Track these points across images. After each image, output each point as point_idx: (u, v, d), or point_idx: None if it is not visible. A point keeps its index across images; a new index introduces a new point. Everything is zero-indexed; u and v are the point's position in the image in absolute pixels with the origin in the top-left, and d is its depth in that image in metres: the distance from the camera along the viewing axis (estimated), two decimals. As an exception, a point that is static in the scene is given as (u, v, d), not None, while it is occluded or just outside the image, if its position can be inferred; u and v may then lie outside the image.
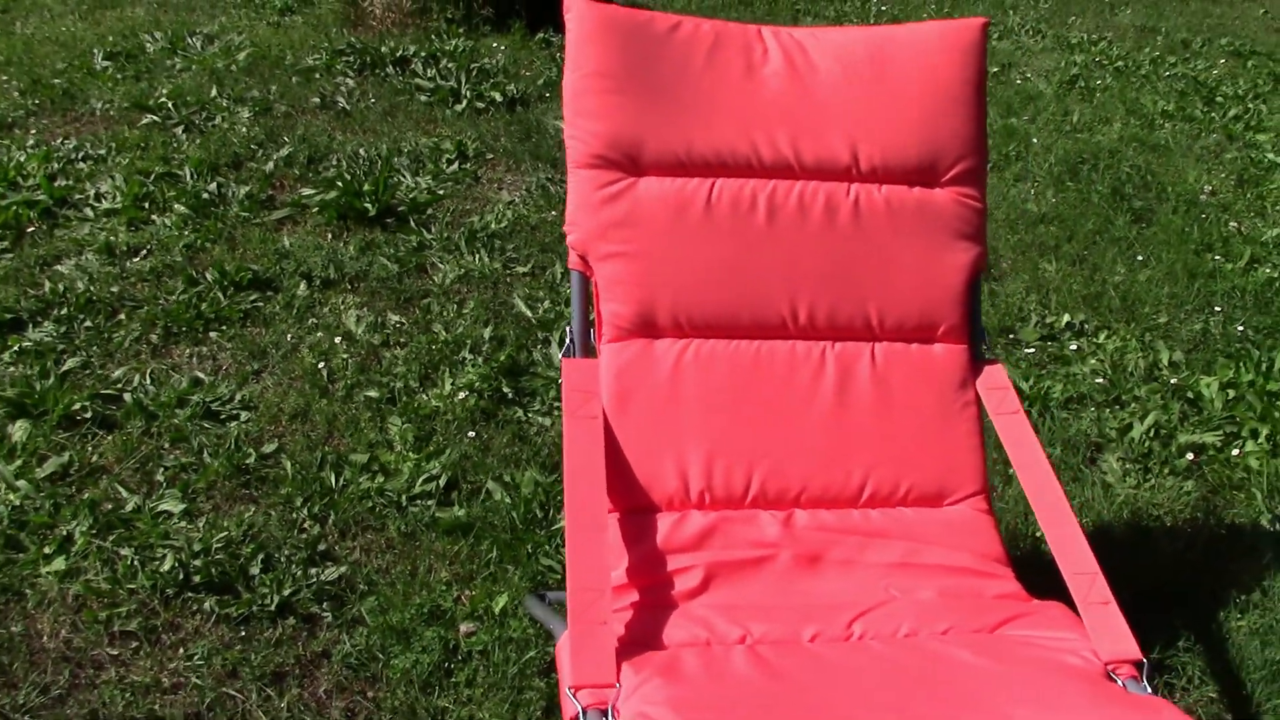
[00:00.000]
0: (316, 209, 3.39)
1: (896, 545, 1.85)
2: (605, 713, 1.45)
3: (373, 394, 2.64)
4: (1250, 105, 4.63)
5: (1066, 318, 3.15)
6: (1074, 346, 3.01)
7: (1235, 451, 2.66)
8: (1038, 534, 2.32)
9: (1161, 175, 4.00)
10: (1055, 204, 3.75)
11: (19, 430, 2.46)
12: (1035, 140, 4.19)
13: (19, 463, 2.37)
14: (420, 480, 2.39)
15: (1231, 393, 2.86)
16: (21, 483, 2.32)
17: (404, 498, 2.36)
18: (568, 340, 1.89)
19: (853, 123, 1.93)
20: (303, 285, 3.03)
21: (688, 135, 1.88)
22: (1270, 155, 4.16)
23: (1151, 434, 2.72)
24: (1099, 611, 1.68)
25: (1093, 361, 2.97)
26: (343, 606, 2.12)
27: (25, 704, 1.91)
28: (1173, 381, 2.87)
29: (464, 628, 2.09)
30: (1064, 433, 2.70)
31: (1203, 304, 3.24)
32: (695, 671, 1.56)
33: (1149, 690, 1.56)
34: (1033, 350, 3.00)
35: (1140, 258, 3.46)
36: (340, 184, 3.42)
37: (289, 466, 2.41)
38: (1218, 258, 3.49)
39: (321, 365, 2.72)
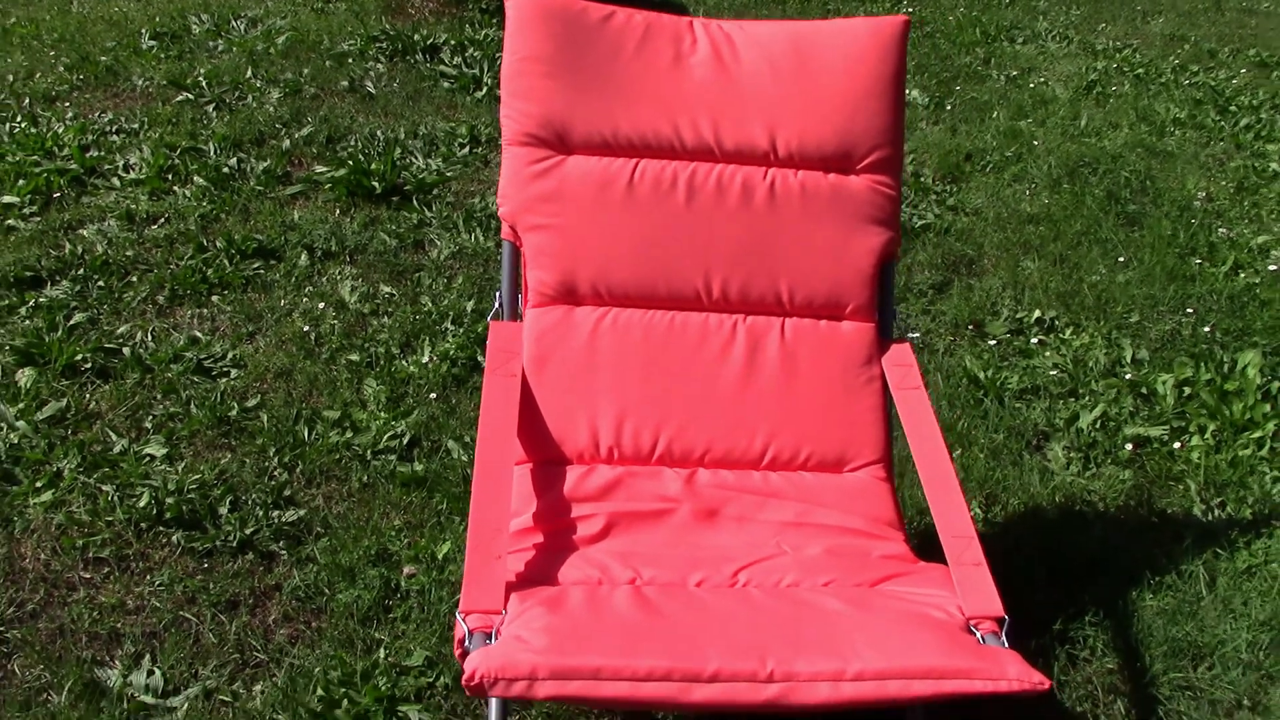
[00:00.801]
0: (328, 185, 3.58)
1: (791, 505, 1.98)
2: (489, 635, 1.60)
3: (354, 358, 2.82)
4: (1264, 115, 4.66)
5: (1037, 313, 3.24)
6: (1037, 340, 3.10)
7: (1178, 445, 2.75)
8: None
9: (1160, 181, 4.07)
10: (1047, 205, 3.83)
11: (25, 376, 2.67)
12: (1038, 143, 4.26)
13: (21, 405, 2.58)
14: (386, 437, 2.56)
15: (1187, 390, 2.93)
16: (21, 423, 2.53)
17: (369, 452, 2.53)
18: (496, 304, 2.05)
19: (772, 111, 2.06)
20: (304, 256, 3.22)
21: (614, 118, 2.03)
22: (1274, 165, 4.20)
23: (1098, 425, 2.81)
24: (970, 572, 1.79)
25: (1054, 356, 3.06)
26: (299, 546, 2.30)
27: (1, 616, 2.10)
28: (1128, 377, 2.96)
29: (406, 570, 2.26)
30: (1012, 421, 2.80)
31: (1177, 306, 3.32)
32: (577, 605, 1.70)
33: (1004, 644, 1.67)
34: (995, 343, 3.09)
35: (1122, 259, 3.54)
36: (351, 163, 3.61)
37: (266, 419, 2.60)
38: (1201, 262, 3.56)
39: (310, 330, 2.90)
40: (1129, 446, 2.72)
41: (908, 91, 4.69)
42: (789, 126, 2.06)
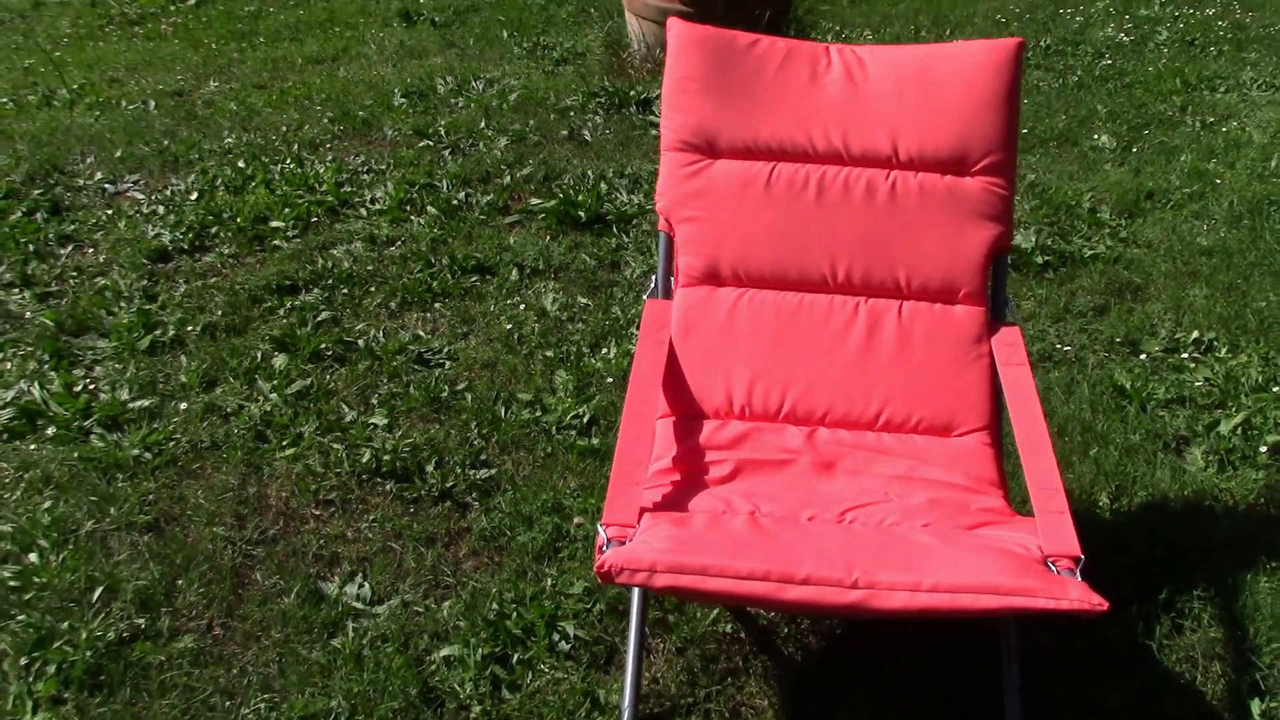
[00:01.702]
0: (540, 215, 4.05)
1: (901, 461, 2.26)
2: (623, 543, 1.94)
3: (549, 354, 3.24)
4: None
5: (1195, 334, 3.37)
6: (1191, 358, 3.24)
7: (1316, 450, 2.86)
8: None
9: (1349, 218, 4.10)
10: (1224, 238, 3.94)
11: (279, 360, 3.20)
12: (1222, 182, 4.36)
13: (275, 382, 3.10)
14: (570, 416, 2.96)
15: (1338, 404, 3.03)
16: (274, 395, 3.04)
17: (555, 428, 2.93)
18: (653, 285, 2.42)
19: (896, 121, 2.37)
20: (515, 272, 3.68)
21: (755, 127, 2.38)
22: None
23: (1239, 432, 2.94)
24: (1053, 518, 2.01)
25: (1205, 371, 3.20)
26: (488, 498, 2.70)
27: (249, 538, 2.59)
28: (1275, 390, 3.07)
29: (576, 520, 2.63)
30: (1152, 425, 2.96)
31: (1345, 330, 3.39)
32: (700, 524, 2.03)
33: (1077, 578, 1.89)
34: (1147, 358, 3.26)
35: (1293, 287, 3.62)
36: (560, 195, 4.07)
37: (470, 399, 3.04)
38: (1375, 291, 3.60)
39: (513, 330, 3.35)
40: (1264, 450, 2.84)
41: (1095, 136, 4.86)
42: (910, 134, 2.36)
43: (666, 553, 1.84)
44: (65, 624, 2.32)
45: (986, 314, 2.34)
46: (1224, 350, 3.30)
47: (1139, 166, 4.56)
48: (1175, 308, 3.53)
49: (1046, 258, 3.79)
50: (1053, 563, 1.91)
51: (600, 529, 1.94)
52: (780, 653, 2.30)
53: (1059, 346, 3.32)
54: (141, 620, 2.36)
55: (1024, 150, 4.72)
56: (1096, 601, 1.78)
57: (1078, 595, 1.80)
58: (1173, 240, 3.96)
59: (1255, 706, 2.15)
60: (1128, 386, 3.10)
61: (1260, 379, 3.16)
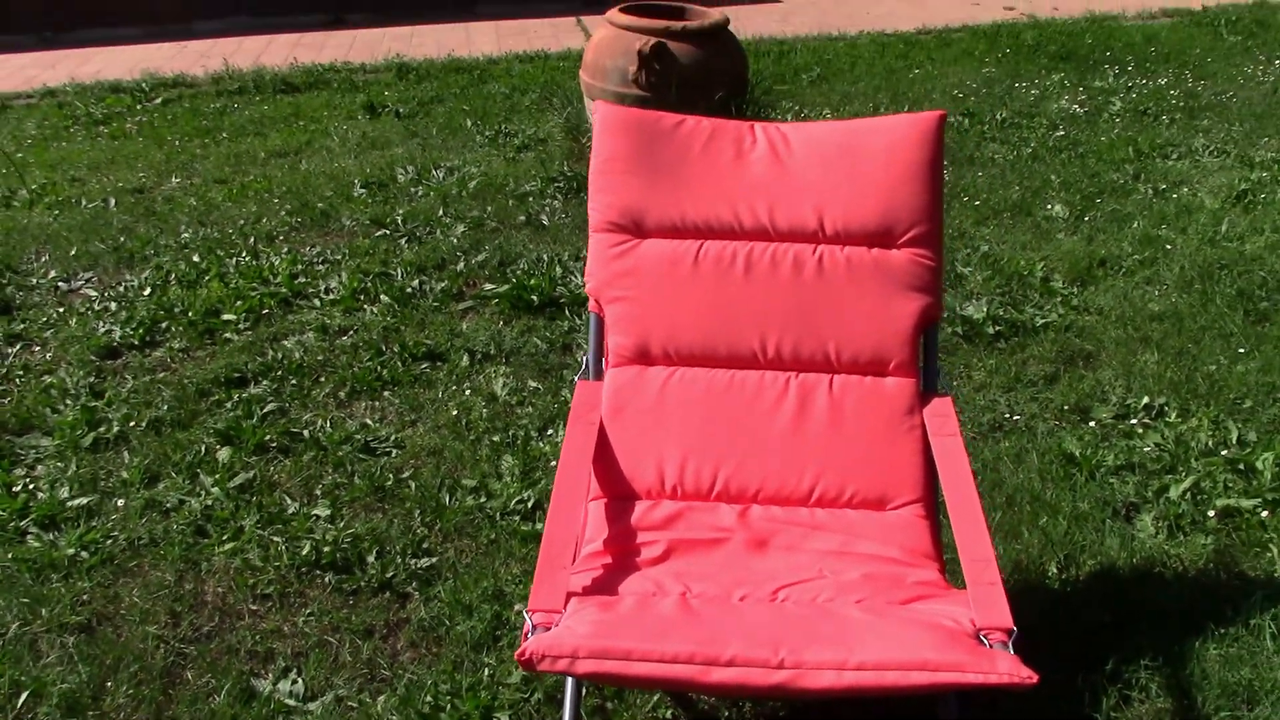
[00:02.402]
0: (494, 300, 4.05)
1: (835, 537, 2.23)
2: (549, 628, 1.91)
3: (496, 439, 3.22)
4: None
5: (1146, 399, 3.37)
6: (1141, 424, 3.23)
7: (1265, 514, 2.84)
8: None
9: (1299, 280, 4.12)
10: (1175, 303, 3.95)
11: (223, 453, 3.17)
12: (1174, 248, 4.39)
13: (217, 476, 3.07)
14: (514, 502, 2.93)
15: (1290, 467, 3.01)
16: (215, 489, 3.01)
17: (499, 514, 2.90)
18: (583, 367, 2.40)
19: (821, 195, 2.38)
20: (466, 358, 3.67)
21: (682, 206, 2.39)
22: None
23: (1189, 496, 2.93)
24: (985, 590, 1.99)
25: (1156, 436, 3.19)
26: (429, 587, 2.66)
27: (183, 636, 2.54)
28: (1225, 454, 3.06)
29: (516, 607, 2.58)
30: (1101, 493, 2.94)
31: (1295, 392, 3.39)
32: (627, 608, 1.99)
33: (1009, 650, 1.86)
34: (1097, 425, 3.25)
35: (1243, 350, 3.63)
36: (514, 279, 4.08)
37: (414, 487, 3.01)
38: (1326, 352, 3.61)
39: (461, 416, 3.33)
40: (1211, 514, 2.82)
41: (1049, 206, 4.89)
42: (836, 208, 2.37)
43: (589, 638, 1.81)
44: (-13, 731, 2.26)
45: (918, 385, 2.33)
46: (1174, 415, 3.30)
47: (1091, 234, 4.59)
48: (1126, 374, 3.53)
49: (998, 327, 3.80)
50: (985, 635, 1.88)
51: (526, 615, 1.91)
52: (722, 737, 2.25)
53: (1009, 416, 3.31)
54: (68, 725, 2.30)
55: (978, 222, 4.76)
56: (1026, 675, 1.76)
57: (1007, 669, 1.77)
58: (1124, 307, 3.97)
59: (1204, 778, 2.11)
60: (1077, 454, 3.09)
61: (1210, 443, 3.15)
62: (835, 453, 2.28)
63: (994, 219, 4.81)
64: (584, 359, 2.40)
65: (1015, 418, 3.30)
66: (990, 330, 3.78)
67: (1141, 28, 8.32)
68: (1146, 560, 2.70)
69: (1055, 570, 2.68)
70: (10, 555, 2.77)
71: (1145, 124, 6.06)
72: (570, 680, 2.12)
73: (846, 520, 2.25)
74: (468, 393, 3.48)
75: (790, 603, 2.06)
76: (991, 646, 1.87)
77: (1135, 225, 4.65)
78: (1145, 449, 3.12)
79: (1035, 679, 1.76)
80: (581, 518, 2.11)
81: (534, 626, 1.90)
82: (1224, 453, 3.07)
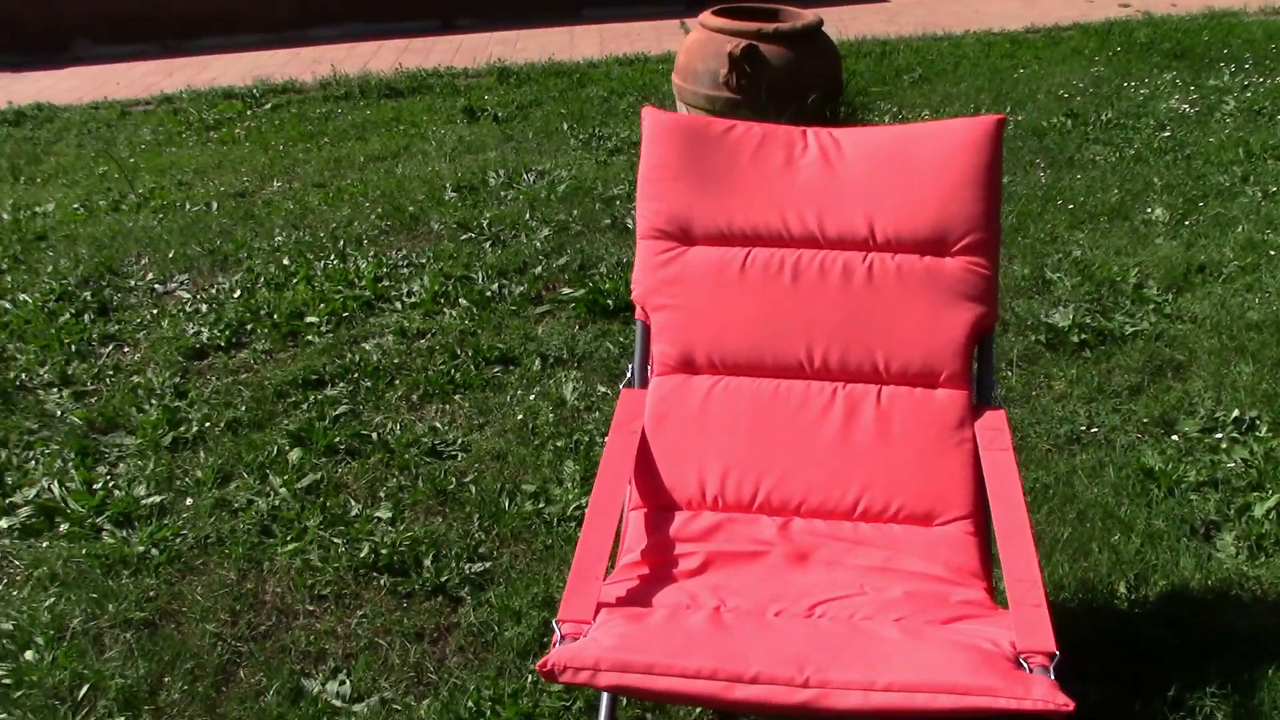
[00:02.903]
0: (571, 304, 4.06)
1: (878, 553, 2.18)
2: (577, 639, 1.90)
3: (560, 444, 3.22)
4: None
5: (1236, 413, 3.23)
6: (1228, 438, 3.10)
7: (1355, 535, 2.69)
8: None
9: None
10: (1276, 311, 3.79)
11: (294, 454, 3.23)
12: (1277, 252, 4.20)
13: (286, 476, 3.12)
14: (572, 508, 2.92)
15: (1386, 486, 2.86)
16: (283, 490, 3.06)
17: (556, 520, 2.90)
18: (629, 375, 2.39)
19: (872, 202, 2.33)
20: (538, 362, 3.69)
21: (730, 213, 2.35)
22: None
23: (1274, 516, 2.79)
24: (1029, 611, 1.92)
25: (1244, 452, 3.05)
26: (481, 592, 2.67)
27: (240, 634, 2.59)
28: (1315, 471, 2.92)
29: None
30: (1180, 510, 2.83)
31: (1400, 406, 3.22)
32: (657, 620, 1.97)
33: (1050, 675, 1.80)
34: (1179, 439, 3.12)
35: (1346, 362, 3.46)
36: (590, 284, 4.08)
37: (474, 491, 3.02)
38: None
39: (528, 421, 3.34)
40: (1297, 534, 2.69)
41: (1148, 210, 4.73)
42: (887, 215, 2.31)
43: (612, 650, 1.80)
44: (46, 722, 2.33)
45: (970, 397, 2.26)
46: (1265, 429, 3.15)
47: (1191, 239, 4.42)
48: (1217, 385, 3.39)
49: (1084, 336, 3.68)
50: (1025, 659, 1.82)
51: (555, 625, 1.90)
52: (762, 753, 2.21)
53: (1089, 428, 3.20)
54: (123, 718, 2.36)
55: (1072, 226, 4.62)
56: (1062, 701, 1.69)
57: (1042, 694, 1.71)
58: (1221, 315, 3.81)
59: (1264, 815, 2.00)
60: (1157, 469, 2.97)
61: (1303, 459, 3.00)
62: (882, 466, 2.23)
63: (1090, 223, 4.66)
64: (629, 368, 2.38)
65: (1094, 430, 3.19)
66: (1075, 339, 3.66)
67: (1263, 24, 8.00)
68: (1222, 582, 2.59)
69: (1124, 590, 2.58)
70: (84, 551, 2.86)
71: (1259, 124, 5.82)
72: (606, 692, 2.10)
73: (891, 535, 2.20)
74: (536, 397, 3.48)
75: (826, 619, 2.02)
76: (1032, 670, 1.80)
77: (1239, 230, 4.46)
78: (1230, 465, 2.98)
79: (1071, 706, 1.69)
80: (613, 528, 2.09)
81: (562, 637, 1.89)
82: (1315, 470, 2.92)
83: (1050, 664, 1.80)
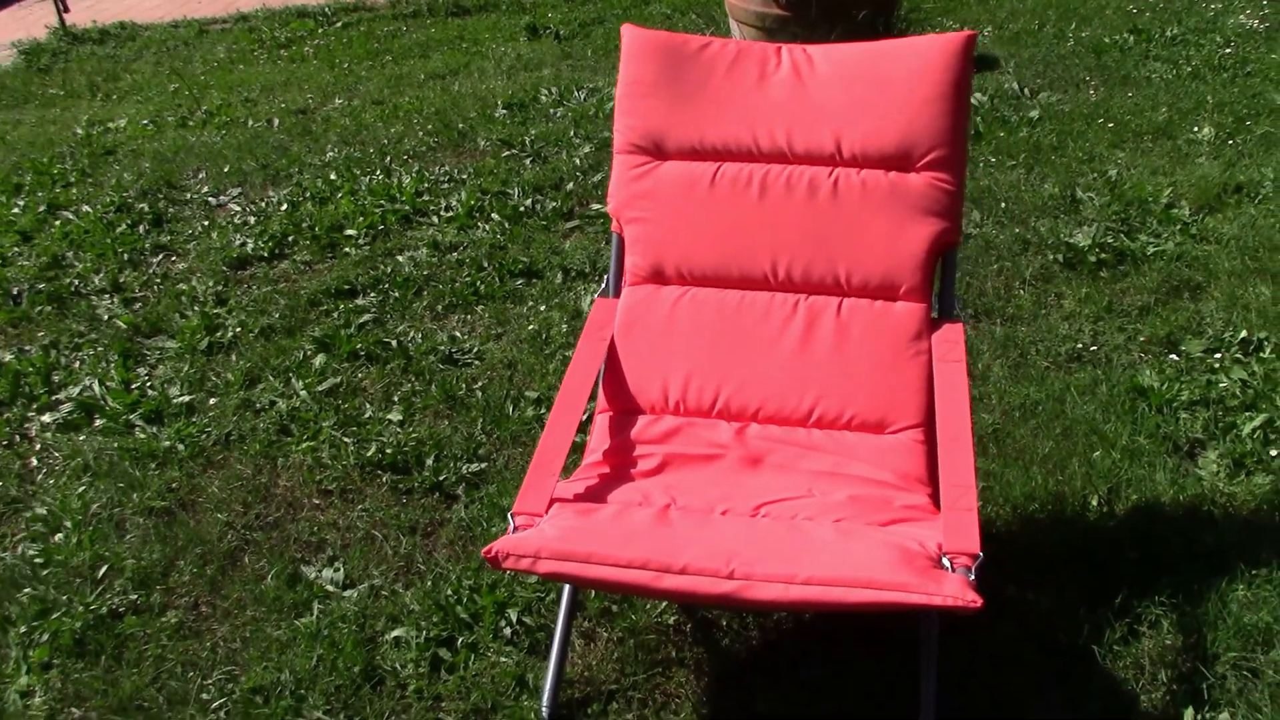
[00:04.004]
0: (600, 219, 4.15)
1: (829, 458, 2.27)
2: (528, 530, 2.02)
3: (569, 354, 3.33)
4: None
5: (1244, 333, 3.22)
6: (1231, 358, 3.10)
7: (1338, 454, 2.70)
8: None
9: None
10: (1306, 233, 3.74)
11: (318, 359, 3.39)
12: (1318, 173, 4.13)
13: (308, 380, 3.30)
14: (572, 414, 3.04)
15: (1384, 408, 2.85)
16: (303, 392, 3.24)
17: (555, 425, 3.02)
18: (604, 284, 2.48)
19: (841, 118, 2.38)
20: (560, 275, 3.80)
21: (701, 129, 2.42)
22: None
23: (1258, 435, 2.81)
24: (959, 515, 2.00)
25: (1243, 373, 3.05)
26: (475, 490, 2.82)
27: (249, 524, 2.77)
28: (1311, 392, 2.92)
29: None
30: (1168, 427, 2.85)
31: None
32: (605, 515, 2.10)
33: (970, 576, 1.88)
34: (1177, 358, 3.13)
35: (1367, 284, 3.42)
36: (618, 200, 4.17)
37: (481, 397, 3.16)
38: None
39: (541, 331, 3.46)
40: (1275, 454, 2.71)
41: (1195, 129, 4.65)
42: (854, 131, 2.36)
43: (554, 540, 1.92)
44: (66, 598, 2.54)
45: (928, 311, 2.32)
46: (1269, 351, 3.14)
47: (1234, 159, 4.35)
48: (1230, 306, 3.38)
49: (1102, 255, 3.67)
50: (950, 559, 1.90)
51: (510, 517, 2.03)
52: (718, 645, 2.33)
53: (1091, 346, 3.22)
54: (136, 596, 2.56)
55: (1113, 145, 4.57)
56: (970, 599, 1.78)
57: (952, 591, 1.79)
58: (1249, 236, 3.77)
59: (1189, 715, 2.08)
60: (1150, 387, 2.99)
61: (1303, 380, 2.99)
62: (838, 375, 2.31)
63: (1132, 141, 4.60)
64: (605, 277, 2.47)
65: (1095, 348, 3.22)
66: (1093, 258, 3.66)
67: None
68: (1196, 498, 2.62)
69: (1095, 504, 2.63)
70: (116, 445, 3.06)
71: (1332, 40, 5.63)
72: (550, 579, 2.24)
73: (843, 442, 2.28)
74: (553, 309, 3.60)
75: (768, 519, 2.11)
76: (954, 570, 1.88)
77: (1286, 150, 4.37)
78: (1225, 385, 2.99)
79: (979, 603, 1.78)
80: (574, 429, 2.20)
81: (515, 528, 2.02)
82: (1311, 391, 2.92)
83: (973, 564, 1.88)
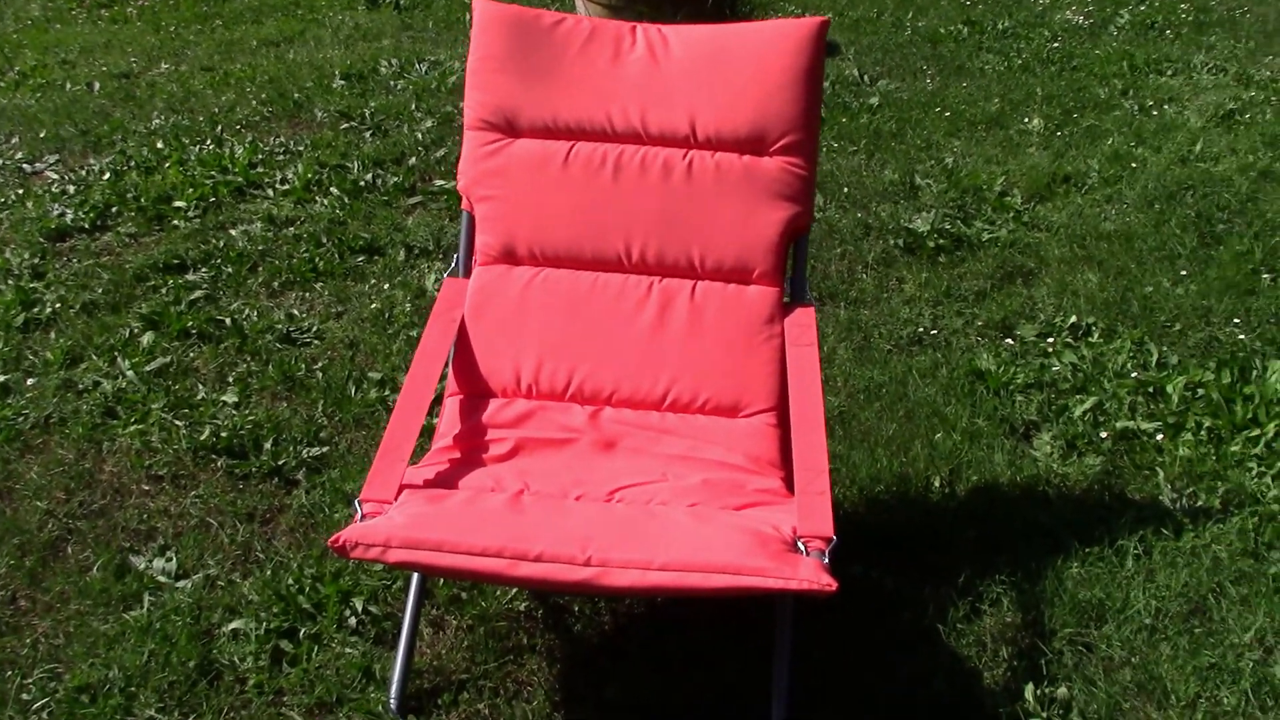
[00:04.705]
0: (444, 196, 4.06)
1: (683, 442, 2.25)
2: (376, 518, 1.95)
3: (414, 334, 3.25)
4: None
5: (1073, 319, 3.33)
6: (1062, 343, 3.20)
7: (1160, 437, 2.82)
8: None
9: (1263, 203, 4.03)
10: (1129, 224, 3.89)
11: (146, 338, 3.23)
12: (1141, 165, 4.30)
13: (136, 359, 3.13)
14: (417, 396, 2.96)
15: (1200, 391, 2.98)
16: (130, 373, 3.07)
17: (400, 407, 2.93)
18: (454, 264, 2.42)
19: (695, 100, 2.36)
20: (403, 253, 3.70)
21: (555, 107, 2.37)
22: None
23: (1089, 418, 2.91)
24: (813, 499, 2.00)
25: (1073, 356, 3.16)
26: (316, 475, 2.72)
27: (72, 512, 2.62)
28: (1135, 376, 3.03)
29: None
30: (1004, 410, 2.93)
31: (1227, 318, 3.34)
32: (455, 501, 2.03)
33: (824, 559, 1.87)
34: (1012, 342, 3.23)
35: (1185, 272, 3.57)
36: (462, 176, 4.08)
37: (322, 378, 3.05)
38: (1270, 276, 3.55)
39: (384, 310, 3.36)
40: (1105, 436, 2.81)
41: (1026, 120, 4.80)
42: (708, 113, 2.34)
43: (403, 528, 1.86)
44: None
45: (781, 295, 2.32)
46: (1097, 335, 3.26)
47: (1062, 150, 4.51)
48: (1060, 292, 3.50)
49: (941, 241, 3.76)
50: (804, 543, 1.90)
51: (357, 504, 1.95)
52: (570, 631, 2.30)
53: (931, 330, 3.29)
54: (-55, 591, 2.39)
55: (949, 134, 4.68)
56: (825, 582, 1.78)
57: (808, 575, 1.80)
58: (1076, 225, 3.91)
59: (1029, 691, 2.13)
60: (987, 370, 3.07)
61: (1128, 365, 3.12)
62: (692, 358, 2.29)
63: (967, 131, 4.73)
64: (454, 257, 2.41)
65: (935, 332, 3.29)
66: (932, 244, 3.74)
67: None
68: (1031, 479, 2.70)
69: (938, 485, 2.68)
70: (-78, 429, 2.86)
71: (1149, 39, 5.90)
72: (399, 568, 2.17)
73: (696, 426, 2.27)
74: (395, 287, 3.50)
75: (623, 504, 2.09)
76: (808, 554, 1.89)
77: (1110, 142, 4.56)
78: (1057, 369, 3.09)
79: (834, 586, 1.78)
80: (422, 413, 2.14)
81: (363, 516, 1.95)
82: (1135, 375, 3.04)
83: (827, 548, 1.89)
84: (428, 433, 2.34)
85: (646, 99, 2.36)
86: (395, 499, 2.00)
